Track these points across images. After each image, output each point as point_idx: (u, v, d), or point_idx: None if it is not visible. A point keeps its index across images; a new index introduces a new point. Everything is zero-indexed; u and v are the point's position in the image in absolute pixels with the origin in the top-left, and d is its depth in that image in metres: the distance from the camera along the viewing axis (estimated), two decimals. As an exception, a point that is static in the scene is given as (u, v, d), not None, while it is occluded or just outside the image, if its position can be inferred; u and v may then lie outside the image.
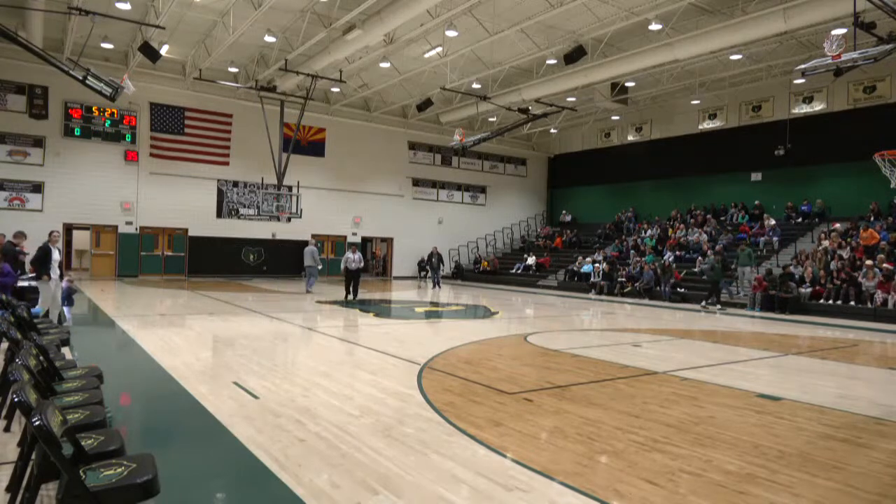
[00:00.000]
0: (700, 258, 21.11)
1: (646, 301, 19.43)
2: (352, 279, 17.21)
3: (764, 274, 17.88)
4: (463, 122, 28.56)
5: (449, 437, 4.82)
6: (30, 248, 10.48)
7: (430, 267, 24.59)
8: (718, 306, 17.24)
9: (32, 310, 7.93)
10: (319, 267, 20.49)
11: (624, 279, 21.53)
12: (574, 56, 18.22)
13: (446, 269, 30.04)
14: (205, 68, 21.23)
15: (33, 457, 3.18)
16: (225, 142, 24.51)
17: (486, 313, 15.08)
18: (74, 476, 2.58)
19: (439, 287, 23.21)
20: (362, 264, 17.86)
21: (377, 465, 4.15)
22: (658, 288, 19.96)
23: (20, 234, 10.78)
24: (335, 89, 25.13)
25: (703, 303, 17.52)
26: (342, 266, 17.36)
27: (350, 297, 17.05)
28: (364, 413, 5.44)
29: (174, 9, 16.43)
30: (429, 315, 14.40)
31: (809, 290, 16.81)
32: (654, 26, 16.97)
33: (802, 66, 12.44)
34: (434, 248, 24.58)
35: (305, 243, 26.44)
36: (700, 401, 6.24)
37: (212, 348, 9.00)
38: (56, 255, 9.32)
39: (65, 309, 10.32)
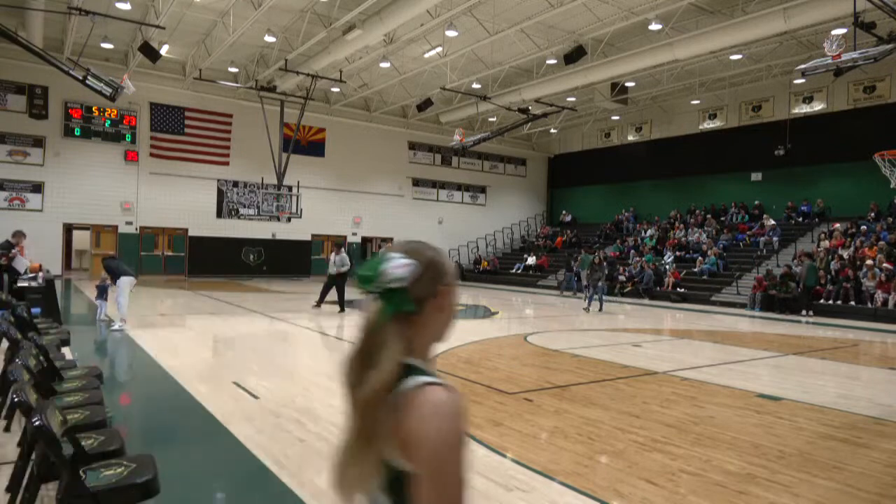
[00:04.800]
0: (700, 258, 21.12)
1: (646, 301, 19.43)
2: (331, 285, 13.84)
3: (764, 274, 17.88)
4: (463, 122, 28.55)
5: (449, 437, 4.81)
6: (28, 249, 10.47)
7: None
8: (810, 312, 15.91)
9: (32, 310, 7.93)
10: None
11: (624, 279, 21.54)
12: (574, 56, 18.22)
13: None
14: (205, 68, 21.22)
15: (33, 457, 3.18)
16: (225, 142, 24.51)
17: (486, 313, 15.08)
18: (74, 476, 2.58)
19: None
20: (345, 267, 13.79)
21: (377, 465, 4.14)
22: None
23: (19, 234, 10.78)
24: (335, 89, 25.12)
25: (806, 312, 15.92)
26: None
27: (317, 304, 14.09)
28: (364, 413, 5.42)
29: (174, 9, 16.42)
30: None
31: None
32: (654, 26, 16.97)
33: (802, 66, 12.45)
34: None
35: (306, 243, 26.63)
36: (700, 401, 6.24)
37: (212, 348, 9.00)
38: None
39: (99, 303, 11.17)
